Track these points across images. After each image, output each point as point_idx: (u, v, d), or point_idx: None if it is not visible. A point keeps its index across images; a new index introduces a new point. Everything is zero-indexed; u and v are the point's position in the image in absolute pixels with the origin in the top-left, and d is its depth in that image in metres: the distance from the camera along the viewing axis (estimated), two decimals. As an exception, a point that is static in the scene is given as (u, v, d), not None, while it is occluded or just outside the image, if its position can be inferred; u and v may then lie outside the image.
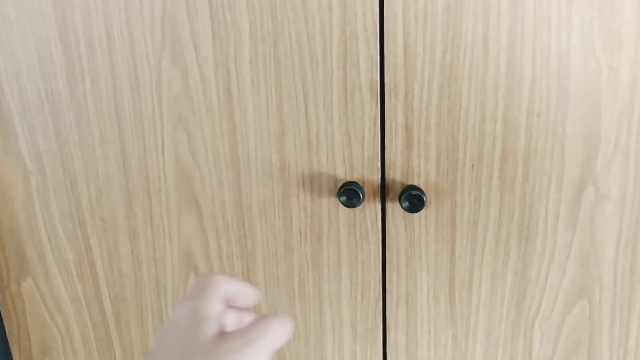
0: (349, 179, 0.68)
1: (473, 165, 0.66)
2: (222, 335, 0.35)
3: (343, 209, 0.70)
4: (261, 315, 0.36)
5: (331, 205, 0.70)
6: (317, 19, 0.62)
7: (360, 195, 0.66)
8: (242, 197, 0.71)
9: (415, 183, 0.67)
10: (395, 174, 0.67)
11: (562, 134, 0.63)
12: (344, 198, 0.66)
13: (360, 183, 0.68)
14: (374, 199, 0.68)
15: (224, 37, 0.65)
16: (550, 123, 0.63)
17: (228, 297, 0.37)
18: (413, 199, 0.65)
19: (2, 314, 0.84)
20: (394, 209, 0.69)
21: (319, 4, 0.61)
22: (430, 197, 0.68)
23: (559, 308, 0.71)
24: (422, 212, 0.68)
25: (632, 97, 0.61)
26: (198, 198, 0.72)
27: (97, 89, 0.69)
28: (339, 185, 0.69)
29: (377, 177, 0.68)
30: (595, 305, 0.71)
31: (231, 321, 0.37)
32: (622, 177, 0.64)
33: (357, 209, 0.69)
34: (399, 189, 0.67)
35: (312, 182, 0.69)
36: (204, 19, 0.64)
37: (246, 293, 0.39)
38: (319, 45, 0.63)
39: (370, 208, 0.69)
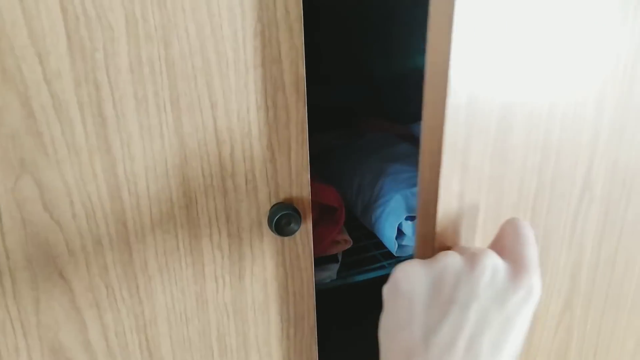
0: (274, 201, 0.56)
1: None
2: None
3: (269, 239, 0.58)
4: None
5: (254, 238, 0.57)
6: (224, 4, 0.47)
7: (299, 216, 0.55)
8: (133, 253, 0.54)
9: (348, 190, 0.59)
10: (327, 185, 0.58)
11: None
12: (282, 225, 0.54)
13: (289, 203, 0.57)
14: (305, 218, 0.58)
15: (86, 39, 0.45)
16: None
17: None
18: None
19: None
20: (327, 225, 0.60)
21: (225, -16, 0.47)
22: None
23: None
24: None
25: None
26: (65, 270, 0.52)
27: None
28: (264, 212, 0.56)
29: (308, 192, 0.57)
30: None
31: None
32: None
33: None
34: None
35: (229, 215, 0.55)
36: (50, 15, 0.43)
37: None
38: (227, 39, 0.48)
39: (302, 229, 0.58)
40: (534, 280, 0.35)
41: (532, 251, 0.37)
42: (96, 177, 0.50)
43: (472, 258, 0.36)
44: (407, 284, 0.36)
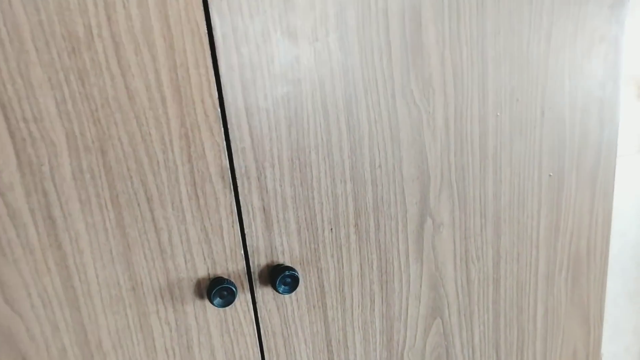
0: (212, 276, 0.65)
1: (332, 229, 0.69)
2: None
3: (211, 310, 0.66)
4: None
5: (198, 310, 0.65)
6: (151, 115, 0.57)
7: (234, 290, 0.63)
8: (88, 334, 0.61)
9: (280, 261, 0.67)
10: (260, 258, 0.66)
11: (401, 179, 0.71)
12: (218, 300, 0.63)
13: (226, 277, 0.65)
14: (243, 289, 0.66)
15: (32, 156, 0.54)
16: (390, 172, 0.70)
17: None
18: (287, 279, 0.66)
19: None
20: (264, 294, 0.68)
21: (149, 99, 0.56)
22: (297, 270, 0.69)
23: (420, 333, 0.80)
24: (292, 287, 0.69)
25: (447, 135, 0.72)
26: (27, 355, 0.60)
27: None
28: (204, 286, 0.64)
29: (243, 265, 0.66)
30: (446, 320, 0.82)
31: None
32: (450, 204, 0.75)
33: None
34: (265, 274, 0.67)
35: (172, 292, 0.64)
36: (0, 139, 0.53)
37: None
38: (156, 142, 0.58)
39: (241, 299, 0.67)
40: None
41: None
42: (49, 271, 0.58)
43: None
44: None
